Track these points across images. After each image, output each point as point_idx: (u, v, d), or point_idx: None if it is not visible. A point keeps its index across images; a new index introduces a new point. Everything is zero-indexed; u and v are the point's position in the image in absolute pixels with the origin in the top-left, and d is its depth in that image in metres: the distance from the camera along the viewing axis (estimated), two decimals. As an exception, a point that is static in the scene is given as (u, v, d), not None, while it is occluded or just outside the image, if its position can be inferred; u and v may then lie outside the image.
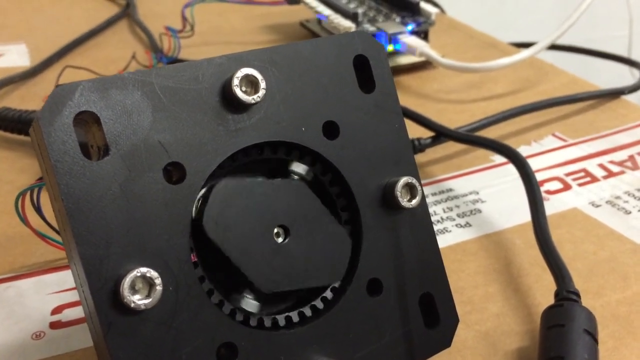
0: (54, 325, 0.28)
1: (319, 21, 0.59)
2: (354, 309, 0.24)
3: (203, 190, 0.21)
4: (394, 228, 0.25)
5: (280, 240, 0.22)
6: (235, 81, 0.21)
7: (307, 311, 0.23)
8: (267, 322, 0.22)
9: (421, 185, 0.25)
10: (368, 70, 0.25)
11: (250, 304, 0.23)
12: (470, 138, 0.38)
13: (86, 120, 0.20)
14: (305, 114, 0.23)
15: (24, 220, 0.29)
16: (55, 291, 0.30)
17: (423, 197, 0.25)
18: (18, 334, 0.28)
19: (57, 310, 0.29)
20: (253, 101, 0.21)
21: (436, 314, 0.25)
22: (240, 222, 0.22)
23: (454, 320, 0.26)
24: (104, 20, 0.62)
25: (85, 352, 0.27)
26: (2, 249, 0.33)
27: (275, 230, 0.22)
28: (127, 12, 0.65)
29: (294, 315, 0.23)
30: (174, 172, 0.21)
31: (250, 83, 0.22)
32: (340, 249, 0.23)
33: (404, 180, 0.24)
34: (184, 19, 0.55)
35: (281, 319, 0.23)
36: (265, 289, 0.22)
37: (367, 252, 0.24)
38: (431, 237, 0.25)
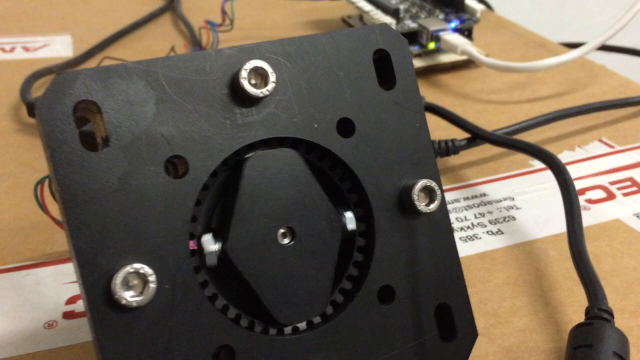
0: (67, 316, 0.28)
1: (361, 17, 0.58)
2: (363, 316, 0.22)
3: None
4: (410, 233, 0.23)
5: (286, 241, 0.22)
6: (244, 73, 0.20)
7: (316, 317, 0.22)
8: (273, 330, 0.21)
9: (441, 189, 0.23)
10: (389, 66, 0.23)
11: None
12: (506, 141, 0.36)
13: (91, 110, 0.19)
14: (318, 110, 0.22)
15: (43, 207, 0.29)
16: (71, 281, 0.30)
17: (443, 202, 0.24)
18: (30, 323, 0.28)
19: (71, 300, 0.29)
20: (262, 94, 0.20)
21: (453, 327, 0.24)
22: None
23: (472, 335, 0.24)
24: (147, 14, 0.62)
25: (94, 344, 0.27)
26: (25, 235, 0.33)
27: (281, 231, 0.21)
28: (171, 6, 0.65)
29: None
30: (176, 166, 0.20)
31: (260, 76, 0.21)
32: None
33: (422, 183, 0.23)
34: (224, 13, 0.54)
35: (289, 326, 0.22)
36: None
37: (379, 257, 0.23)
38: (451, 244, 0.24)
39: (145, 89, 0.20)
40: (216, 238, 0.21)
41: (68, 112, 0.19)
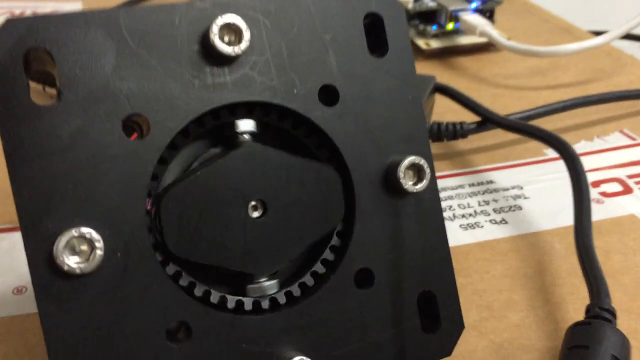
0: (38, 283, 0.27)
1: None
2: (337, 300, 0.21)
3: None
4: (394, 214, 0.21)
5: (257, 214, 0.20)
6: (215, 29, 0.18)
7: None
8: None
9: (432, 168, 0.22)
10: (381, 32, 0.21)
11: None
12: (517, 125, 0.34)
13: (45, 59, 0.18)
14: (299, 75, 0.20)
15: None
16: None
17: (433, 182, 0.22)
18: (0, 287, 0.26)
19: (45, 268, 0.28)
20: (233, 53, 0.19)
21: (437, 317, 0.22)
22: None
23: (458, 327, 0.22)
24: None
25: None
26: (5, 197, 0.32)
27: (252, 204, 0.20)
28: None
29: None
30: (136, 126, 0.19)
31: (234, 32, 0.19)
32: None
33: (409, 160, 0.21)
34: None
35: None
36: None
37: (359, 237, 0.21)
38: (439, 228, 0.22)
39: (104, 40, 0.18)
40: None
41: (17, 59, 0.17)
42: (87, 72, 0.18)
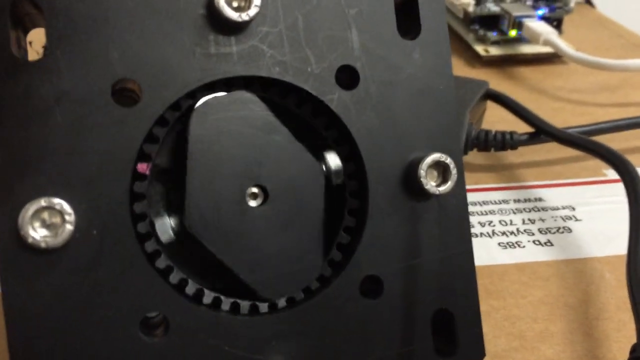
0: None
1: (442, -2, 0.53)
2: (338, 308, 0.18)
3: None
4: (412, 218, 0.19)
5: (256, 203, 0.18)
6: (221, -10, 0.17)
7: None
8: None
9: (461, 169, 0.19)
10: (414, 10, 0.19)
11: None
12: (573, 139, 0.30)
13: (32, 13, 0.16)
14: (315, 51, 0.18)
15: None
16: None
17: (460, 185, 0.19)
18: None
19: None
20: (240, 19, 0.17)
21: (453, 340, 0.19)
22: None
23: (477, 353, 0.19)
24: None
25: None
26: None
27: (250, 191, 0.18)
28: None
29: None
30: (126, 92, 0.17)
31: (243, -3, 0.17)
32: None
33: (433, 157, 0.18)
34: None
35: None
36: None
37: (369, 241, 0.19)
38: (464, 239, 0.19)
39: (99, -5, 0.16)
40: (170, 209, 0.18)
41: (5, 7, 0.16)
42: (78, 29, 0.16)
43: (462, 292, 0.19)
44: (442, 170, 0.19)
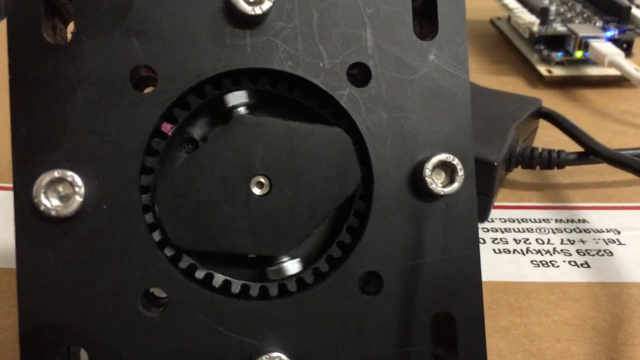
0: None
1: (509, 19, 0.52)
2: (335, 301, 0.18)
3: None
4: (417, 218, 0.19)
5: (260, 191, 0.18)
6: (237, -16, 0.17)
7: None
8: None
9: (470, 171, 0.19)
10: (432, 11, 0.19)
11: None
12: (622, 160, 0.29)
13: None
14: (329, 47, 0.18)
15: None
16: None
17: (468, 187, 0.19)
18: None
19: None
20: (253, 13, 0.18)
21: (453, 345, 0.19)
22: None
23: (478, 362, 0.19)
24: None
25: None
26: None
27: (257, 180, 0.18)
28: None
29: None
30: (143, 77, 0.18)
31: (259, -8, 0.18)
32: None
33: (439, 157, 0.18)
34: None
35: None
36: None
37: (371, 237, 0.19)
38: (471, 242, 0.19)
39: (125, -16, 0.18)
40: None
41: (37, -2, 0.17)
42: (103, 16, 0.17)
43: (466, 296, 0.19)
44: (448, 170, 0.19)
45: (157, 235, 0.18)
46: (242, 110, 0.19)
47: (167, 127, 0.18)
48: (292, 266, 0.19)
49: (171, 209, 0.18)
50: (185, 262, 0.18)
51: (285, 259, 0.19)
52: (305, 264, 0.19)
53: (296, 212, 0.18)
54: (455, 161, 0.18)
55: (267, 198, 0.18)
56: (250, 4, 0.18)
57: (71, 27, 0.18)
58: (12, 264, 0.25)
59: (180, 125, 0.18)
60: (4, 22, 0.17)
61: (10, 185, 0.17)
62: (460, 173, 0.18)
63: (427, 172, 0.18)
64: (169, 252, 0.18)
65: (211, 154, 0.18)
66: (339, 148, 0.18)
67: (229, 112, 0.19)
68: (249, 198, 0.18)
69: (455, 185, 0.18)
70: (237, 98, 0.19)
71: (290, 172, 0.18)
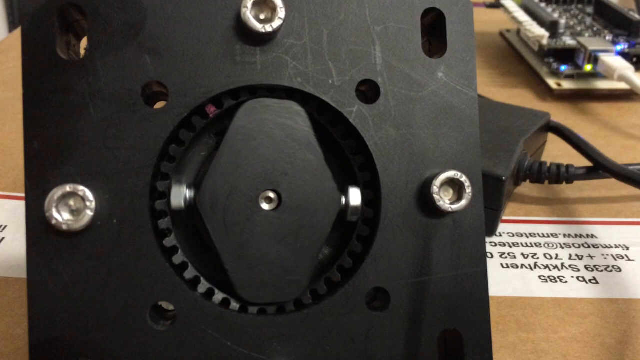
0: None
1: (518, 31, 0.53)
2: (343, 317, 0.18)
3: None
4: (424, 235, 0.19)
5: (268, 207, 0.18)
6: (248, 2, 0.18)
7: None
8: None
9: (478, 188, 0.19)
10: (441, 29, 0.19)
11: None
12: (630, 175, 0.29)
13: (76, 16, 0.18)
14: (338, 64, 0.19)
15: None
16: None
17: (476, 205, 0.19)
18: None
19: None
20: (263, 30, 0.18)
21: (460, 362, 0.19)
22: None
23: (485, 379, 0.19)
24: None
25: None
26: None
27: (266, 195, 0.18)
28: None
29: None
30: (154, 93, 0.18)
31: (270, 10, 0.18)
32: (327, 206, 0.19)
33: (447, 174, 0.18)
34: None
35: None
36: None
37: (379, 253, 0.19)
38: (479, 259, 0.19)
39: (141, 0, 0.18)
40: (190, 188, 0.19)
41: (51, 13, 0.17)
42: (116, 33, 0.18)
43: (473, 314, 0.19)
44: (457, 188, 0.19)
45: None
46: None
47: (211, 109, 0.18)
48: None
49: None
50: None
51: None
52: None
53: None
54: (463, 178, 0.18)
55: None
56: (261, 21, 0.18)
57: (84, 43, 0.18)
58: (22, 274, 0.25)
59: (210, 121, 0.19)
60: (18, 31, 0.17)
61: (22, 194, 0.17)
62: (468, 190, 0.18)
63: (435, 189, 0.18)
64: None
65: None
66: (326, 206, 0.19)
67: None
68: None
69: (463, 203, 0.18)
70: None
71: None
